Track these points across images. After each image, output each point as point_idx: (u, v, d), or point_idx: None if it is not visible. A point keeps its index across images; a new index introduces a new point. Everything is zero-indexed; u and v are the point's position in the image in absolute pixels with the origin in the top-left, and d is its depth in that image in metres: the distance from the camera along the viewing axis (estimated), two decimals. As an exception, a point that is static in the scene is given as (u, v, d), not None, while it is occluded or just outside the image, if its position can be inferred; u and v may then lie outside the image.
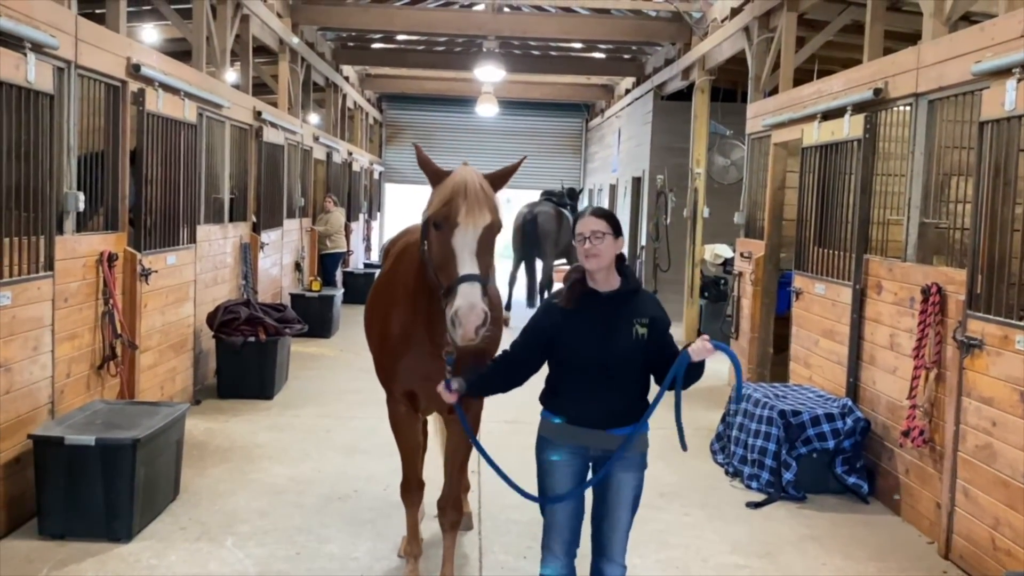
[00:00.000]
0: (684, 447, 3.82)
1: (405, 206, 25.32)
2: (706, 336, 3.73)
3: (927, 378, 5.90)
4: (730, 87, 15.25)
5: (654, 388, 3.85)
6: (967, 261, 5.50)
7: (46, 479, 5.27)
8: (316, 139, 15.42)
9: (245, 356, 8.73)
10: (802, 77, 9.99)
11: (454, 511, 4.72)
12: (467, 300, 3.65)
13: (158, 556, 5.13)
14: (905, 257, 6.46)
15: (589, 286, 3.81)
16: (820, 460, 6.59)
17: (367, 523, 5.72)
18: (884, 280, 6.67)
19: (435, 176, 4.00)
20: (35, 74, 5.41)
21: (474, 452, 4.40)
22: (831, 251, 7.60)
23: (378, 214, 25.63)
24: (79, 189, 6.29)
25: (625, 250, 3.92)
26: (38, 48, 5.48)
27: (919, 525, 6.03)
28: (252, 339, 8.73)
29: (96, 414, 5.81)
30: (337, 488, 6.38)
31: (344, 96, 19.21)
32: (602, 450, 3.81)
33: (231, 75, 11.24)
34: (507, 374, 3.95)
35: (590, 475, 3.90)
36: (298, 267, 14.01)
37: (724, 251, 12.93)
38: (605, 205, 21.37)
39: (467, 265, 3.74)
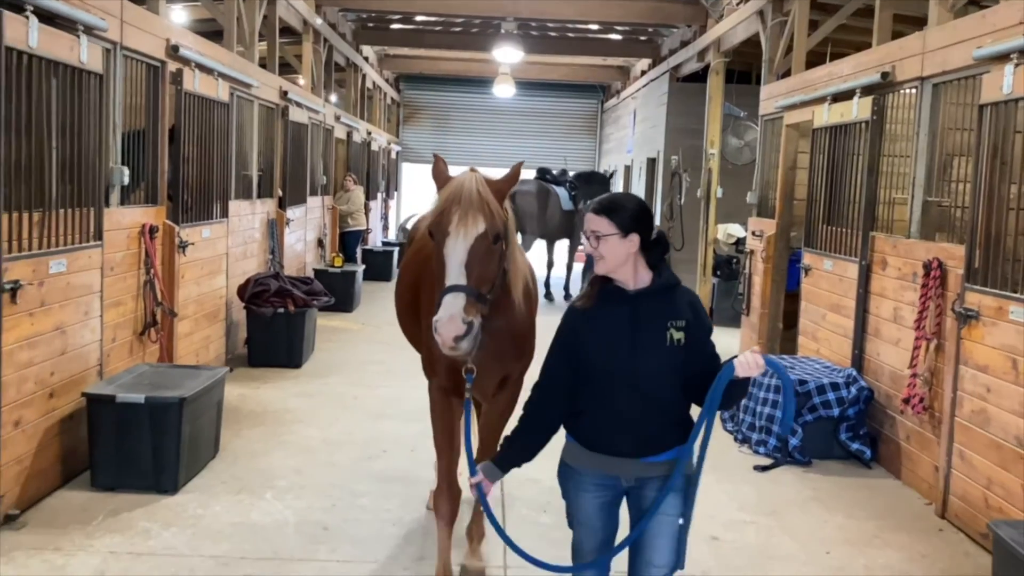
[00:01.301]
0: (687, 516, 3.30)
1: (421, 186, 25.65)
2: (757, 348, 3.17)
3: (927, 348, 6.21)
4: (745, 69, 15.48)
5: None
6: (966, 237, 5.80)
7: (98, 435, 5.64)
8: (338, 119, 15.74)
9: (275, 326, 9.11)
10: (816, 60, 10.25)
11: None
12: (446, 311, 3.51)
13: (203, 506, 5.50)
14: (909, 234, 6.75)
15: (614, 283, 3.28)
16: (825, 427, 6.91)
17: (397, 480, 6.09)
18: (889, 256, 6.97)
19: (440, 182, 3.89)
20: (87, 55, 5.75)
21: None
22: (839, 229, 7.90)
23: (395, 193, 25.96)
24: (123, 164, 6.64)
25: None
26: (89, 30, 5.81)
27: (918, 488, 6.35)
28: (281, 310, 9.10)
29: (142, 375, 6.19)
30: (367, 449, 6.75)
31: (363, 76, 19.51)
32: (636, 479, 3.28)
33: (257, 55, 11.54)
34: (546, 419, 3.35)
35: (624, 507, 3.41)
36: (320, 243, 14.37)
37: (737, 231, 13.22)
38: (619, 186, 21.57)
39: (452, 276, 3.58)
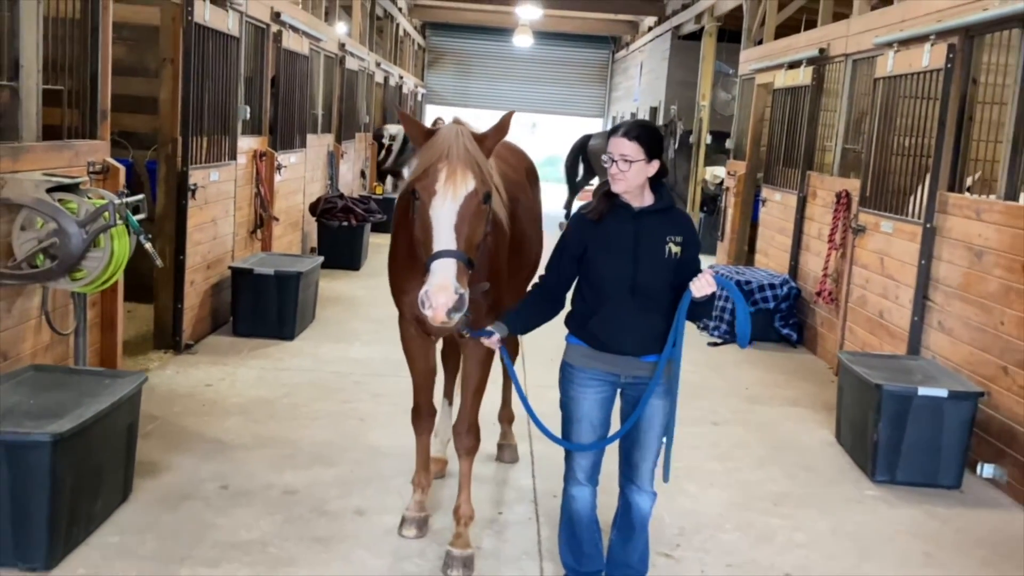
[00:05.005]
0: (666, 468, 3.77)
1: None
2: (710, 270, 3.60)
3: (836, 255, 8.48)
4: (737, 30, 17.48)
5: None
6: (862, 174, 8.04)
7: (239, 296, 7.99)
8: (378, 65, 17.88)
9: (340, 236, 11.42)
10: (795, 26, 12.39)
11: (469, 436, 4.39)
12: (437, 279, 3.34)
13: (315, 348, 7.87)
14: (832, 173, 8.99)
15: (620, 200, 3.67)
16: (764, 317, 9.21)
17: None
18: (818, 189, 9.21)
19: (421, 136, 3.68)
20: (232, 23, 7.98)
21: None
22: (788, 169, 10.13)
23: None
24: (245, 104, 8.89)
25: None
26: (232, 4, 8.02)
27: (826, 359, 8.67)
28: (345, 224, 11.39)
29: (263, 259, 8.51)
30: (421, 322, 9.07)
31: (397, 25, 21.57)
32: (633, 376, 3.71)
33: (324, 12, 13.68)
34: (547, 302, 3.81)
35: (617, 401, 3.83)
36: (363, 174, 16.61)
37: (721, 172, 15.40)
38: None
39: (443, 239, 3.43)
